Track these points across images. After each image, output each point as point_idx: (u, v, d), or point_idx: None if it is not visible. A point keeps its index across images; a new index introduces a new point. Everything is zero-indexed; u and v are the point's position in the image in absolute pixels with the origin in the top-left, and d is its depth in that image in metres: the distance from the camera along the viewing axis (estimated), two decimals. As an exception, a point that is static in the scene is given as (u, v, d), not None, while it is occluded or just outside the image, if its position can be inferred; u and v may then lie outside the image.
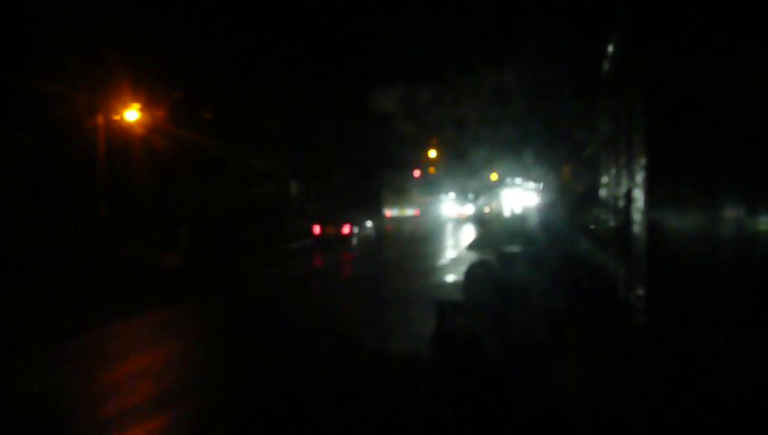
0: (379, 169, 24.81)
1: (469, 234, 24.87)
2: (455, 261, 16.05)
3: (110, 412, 5.70)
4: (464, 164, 36.37)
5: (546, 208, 18.50)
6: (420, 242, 23.82)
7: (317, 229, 21.41)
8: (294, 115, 24.65)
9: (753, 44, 5.01)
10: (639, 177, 6.54)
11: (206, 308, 10.74)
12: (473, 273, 9.54)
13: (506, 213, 32.17)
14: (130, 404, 5.89)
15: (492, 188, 44.36)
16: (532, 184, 36.09)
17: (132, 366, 7.22)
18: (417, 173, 30.23)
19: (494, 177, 44.57)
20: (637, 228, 6.82)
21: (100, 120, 16.45)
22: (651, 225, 6.09)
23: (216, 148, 21.29)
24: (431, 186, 30.53)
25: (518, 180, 39.06)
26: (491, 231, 23.46)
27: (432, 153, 34.32)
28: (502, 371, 5.81)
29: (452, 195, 34.81)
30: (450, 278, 12.87)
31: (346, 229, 22.03)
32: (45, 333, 8.74)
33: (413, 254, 19.40)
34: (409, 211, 27.39)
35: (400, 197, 26.01)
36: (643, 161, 6.23)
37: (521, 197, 36.84)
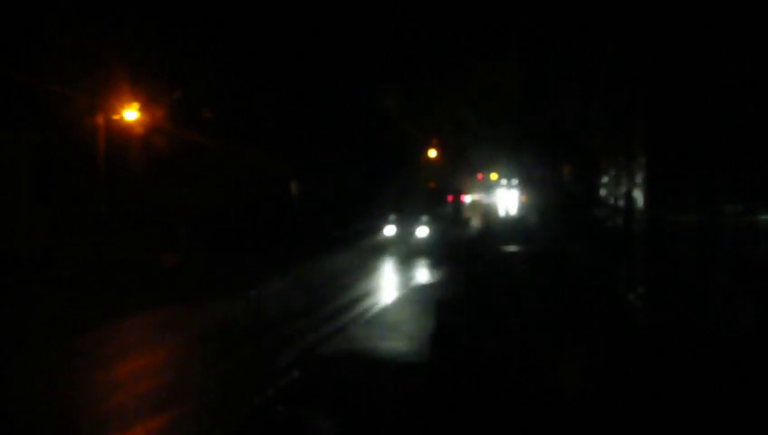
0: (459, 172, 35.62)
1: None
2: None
3: (110, 412, 5.71)
4: (464, 164, 36.81)
5: (543, 209, 18.48)
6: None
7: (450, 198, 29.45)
8: (295, 115, 24.67)
9: (750, 44, 5.01)
10: (639, 177, 6.55)
11: (206, 308, 10.74)
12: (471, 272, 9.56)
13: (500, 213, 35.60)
14: (131, 404, 5.90)
15: (492, 188, 45.56)
16: (514, 181, 40.17)
17: (132, 366, 7.22)
18: (480, 176, 42.11)
19: (494, 177, 45.35)
20: (636, 228, 6.83)
21: (100, 119, 16.44)
22: (651, 224, 6.11)
23: (215, 148, 21.28)
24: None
25: (507, 181, 42.85)
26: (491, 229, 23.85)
27: (432, 153, 34.53)
28: (502, 370, 5.82)
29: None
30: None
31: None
32: (45, 333, 8.75)
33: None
34: (476, 197, 42.48)
35: (471, 188, 40.76)
36: (643, 161, 6.24)
37: (509, 196, 40.72)
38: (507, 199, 40.79)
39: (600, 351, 6.09)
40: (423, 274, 14.36)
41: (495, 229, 20.61)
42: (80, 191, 17.19)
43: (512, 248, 14.80)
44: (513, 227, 20.81)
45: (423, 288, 11.90)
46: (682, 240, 5.94)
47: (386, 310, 9.83)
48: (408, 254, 17.53)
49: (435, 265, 15.34)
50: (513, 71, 18.50)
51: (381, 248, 18.76)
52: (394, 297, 11.10)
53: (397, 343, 7.48)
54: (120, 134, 17.44)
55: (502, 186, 44.51)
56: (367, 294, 11.67)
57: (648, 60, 6.06)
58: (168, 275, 14.90)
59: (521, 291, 9.24)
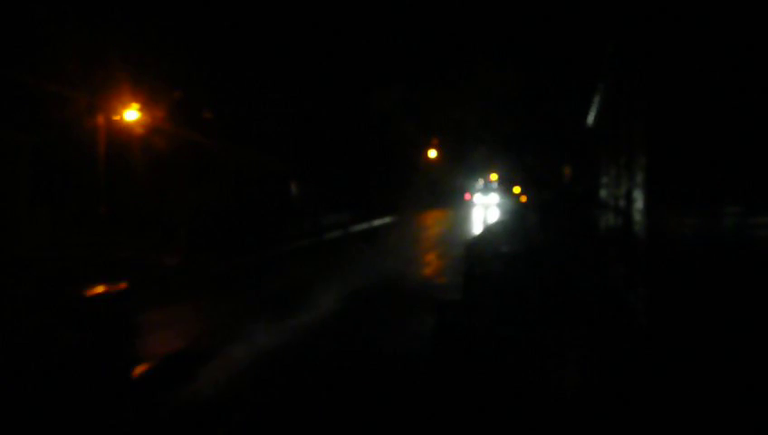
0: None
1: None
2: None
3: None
4: (463, 164, 36.87)
5: (542, 209, 18.48)
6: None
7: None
8: (295, 115, 24.69)
9: (751, 43, 5.02)
10: (639, 177, 6.55)
11: (205, 308, 10.75)
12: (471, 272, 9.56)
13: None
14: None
15: (492, 188, 46.10)
16: (494, 185, 42.22)
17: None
18: (489, 177, 47.29)
19: (493, 177, 45.72)
20: (637, 228, 6.83)
21: (100, 120, 16.43)
22: (651, 225, 6.10)
23: (216, 148, 21.28)
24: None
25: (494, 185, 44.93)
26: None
27: (432, 153, 34.66)
28: (502, 370, 5.82)
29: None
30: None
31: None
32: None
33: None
34: (485, 197, 46.66)
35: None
36: (643, 161, 6.24)
37: (490, 199, 42.49)
38: (487, 202, 42.54)
39: (600, 351, 6.09)
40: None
41: (494, 230, 20.64)
42: (80, 191, 17.19)
43: (511, 249, 14.79)
44: (512, 228, 20.82)
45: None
46: (682, 241, 5.93)
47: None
48: None
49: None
50: (513, 71, 18.52)
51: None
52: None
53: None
54: (121, 134, 17.43)
55: (479, 189, 46.71)
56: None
57: (649, 59, 6.07)
58: (167, 275, 14.90)
59: (520, 291, 9.25)
